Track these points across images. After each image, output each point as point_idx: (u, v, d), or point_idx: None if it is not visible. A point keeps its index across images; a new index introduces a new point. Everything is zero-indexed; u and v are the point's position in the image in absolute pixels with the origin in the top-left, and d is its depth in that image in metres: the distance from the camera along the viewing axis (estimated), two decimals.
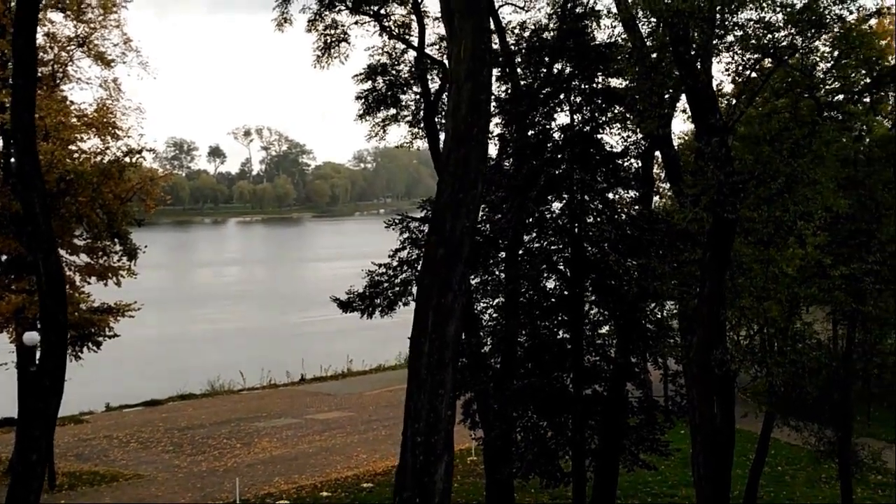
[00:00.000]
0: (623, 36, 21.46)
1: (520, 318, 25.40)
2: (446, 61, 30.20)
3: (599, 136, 24.44)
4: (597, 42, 24.23)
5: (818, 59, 19.21)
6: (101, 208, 34.09)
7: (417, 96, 29.96)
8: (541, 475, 24.34)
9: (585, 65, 23.91)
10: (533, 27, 26.62)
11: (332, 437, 40.17)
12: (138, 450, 38.09)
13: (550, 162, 24.71)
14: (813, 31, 17.47)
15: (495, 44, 29.61)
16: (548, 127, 24.82)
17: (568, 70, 24.47)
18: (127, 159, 34.82)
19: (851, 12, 16.78)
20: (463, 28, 12.74)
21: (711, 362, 17.54)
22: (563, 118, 25.27)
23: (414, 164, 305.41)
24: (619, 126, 24.00)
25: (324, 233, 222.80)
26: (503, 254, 26.68)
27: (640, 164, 25.67)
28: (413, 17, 29.70)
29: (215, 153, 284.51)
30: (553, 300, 24.78)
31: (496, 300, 26.47)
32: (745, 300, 19.64)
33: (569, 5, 25.67)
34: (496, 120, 26.54)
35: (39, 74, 34.76)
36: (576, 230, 24.54)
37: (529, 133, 25.23)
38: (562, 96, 24.81)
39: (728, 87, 21.89)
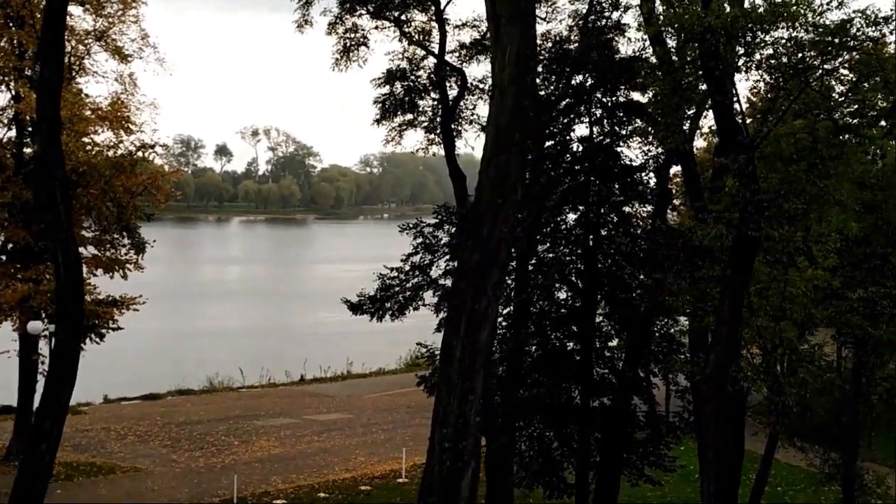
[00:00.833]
0: (648, 50, 21.43)
1: (529, 327, 25.34)
2: (465, 69, 30.37)
3: (619, 149, 24.39)
4: (621, 55, 24.20)
5: (835, 81, 19.19)
6: (112, 201, 34.12)
7: (435, 102, 29.89)
8: (544, 486, 24.26)
9: (608, 77, 23.89)
10: (554, 38, 26.61)
11: (330, 439, 40.04)
12: (136, 443, 37.97)
13: (568, 173, 24.68)
14: (838, 52, 17.44)
15: None
16: (567, 138, 24.79)
17: (590, 82, 24.44)
18: (140, 154, 34.89)
19: (884, 35, 16.74)
20: (509, 33, 12.67)
21: (727, 381, 17.49)
22: (581, 130, 25.29)
23: (420, 171, 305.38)
24: (640, 140, 23.98)
25: (327, 235, 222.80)
26: (515, 262, 26.66)
27: (655, 179, 25.67)
28: (434, 23, 29.67)
29: (222, 151, 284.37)
30: (564, 311, 24.72)
31: (506, 309, 26.41)
32: (761, 319, 19.59)
33: (591, 18, 25.67)
34: None
35: None
36: (590, 242, 24.49)
37: (548, 143, 25.20)
38: (581, 108, 24.79)
39: (743, 106, 21.90)
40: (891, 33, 16.93)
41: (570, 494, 24.60)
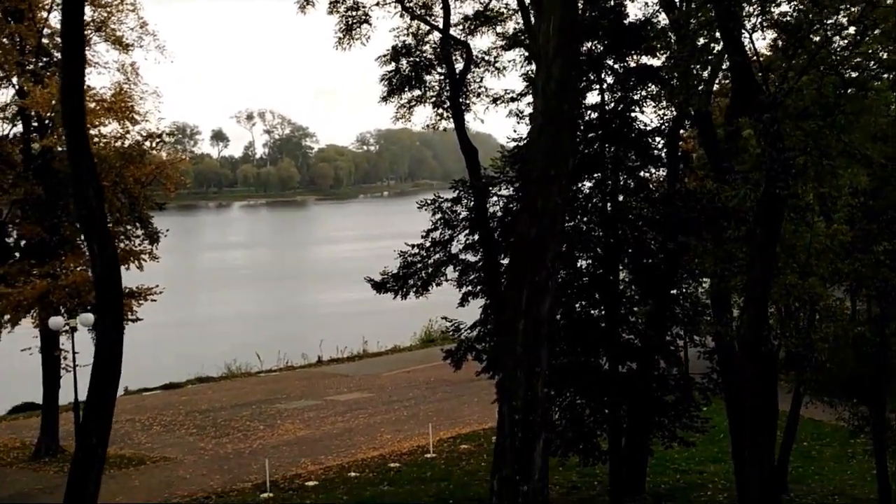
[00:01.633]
0: (660, 16, 21.35)
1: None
2: (470, 41, 30.29)
3: (633, 115, 24.33)
4: (630, 20, 24.09)
5: (836, 35, 19.05)
6: (123, 192, 34.14)
7: (442, 77, 29.88)
8: (579, 454, 24.40)
9: (619, 43, 23.80)
10: None
11: (354, 419, 40.20)
12: (161, 433, 38.18)
13: (582, 141, 24.62)
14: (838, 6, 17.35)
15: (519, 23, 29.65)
16: (581, 106, 24.72)
17: (600, 49, 24.35)
18: (148, 143, 34.88)
19: None
20: (551, 3, 12.61)
21: (762, 340, 17.55)
22: (592, 97, 25.21)
23: (417, 147, 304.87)
24: (654, 104, 23.93)
25: (329, 215, 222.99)
26: None
27: (666, 142, 25.61)
28: None
29: (218, 137, 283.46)
30: (586, 279, 24.76)
31: None
32: (789, 277, 19.61)
33: None
34: (528, 98, 26.48)
35: (57, 59, 34.75)
36: (608, 208, 24.49)
37: None
38: (592, 76, 24.69)
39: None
40: None
41: (604, 461, 24.73)
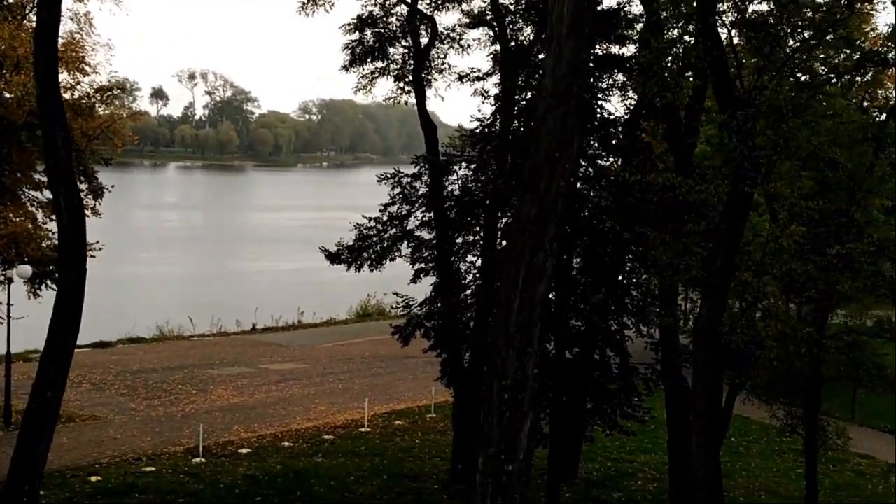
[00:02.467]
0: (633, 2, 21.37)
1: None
2: (436, 16, 30.02)
3: (598, 103, 24.35)
4: (603, 7, 24.07)
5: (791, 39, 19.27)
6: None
7: (406, 50, 29.58)
8: None
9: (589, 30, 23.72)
10: None
11: (288, 388, 39.94)
12: (91, 391, 37.49)
13: None
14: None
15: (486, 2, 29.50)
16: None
17: None
18: (98, 96, 34.02)
19: None
20: None
21: (718, 333, 17.78)
22: None
23: (359, 119, 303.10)
24: (620, 93, 24.00)
25: (267, 182, 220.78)
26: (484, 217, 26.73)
27: (623, 132, 25.70)
28: None
29: (158, 95, 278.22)
30: None
31: (479, 260, 26.48)
32: (745, 275, 19.88)
33: None
34: (494, 80, 26.42)
35: (8, 3, 33.68)
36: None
37: (524, 95, 25.10)
38: None
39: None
40: None
41: (544, 445, 24.86)
